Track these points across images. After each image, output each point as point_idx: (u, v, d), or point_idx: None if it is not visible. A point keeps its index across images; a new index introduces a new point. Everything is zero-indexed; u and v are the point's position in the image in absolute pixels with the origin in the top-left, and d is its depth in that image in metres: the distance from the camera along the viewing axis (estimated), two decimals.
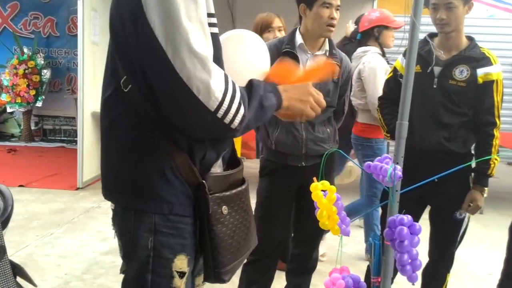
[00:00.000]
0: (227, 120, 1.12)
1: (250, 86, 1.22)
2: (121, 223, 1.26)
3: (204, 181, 1.21)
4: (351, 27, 4.20)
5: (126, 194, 1.24)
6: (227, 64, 1.26)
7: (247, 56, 1.40)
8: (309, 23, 2.35)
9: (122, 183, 1.25)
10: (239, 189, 1.30)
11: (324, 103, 1.39)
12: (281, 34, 3.12)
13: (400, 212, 1.60)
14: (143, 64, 1.13)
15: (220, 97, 1.09)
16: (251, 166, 6.38)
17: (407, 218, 1.52)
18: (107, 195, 1.30)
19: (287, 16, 7.81)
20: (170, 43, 1.06)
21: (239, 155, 1.83)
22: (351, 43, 3.93)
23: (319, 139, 2.43)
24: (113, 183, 1.28)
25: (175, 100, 1.09)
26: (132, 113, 1.20)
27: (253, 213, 2.64)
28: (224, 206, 1.24)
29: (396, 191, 1.73)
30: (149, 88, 1.14)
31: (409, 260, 1.51)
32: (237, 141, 1.71)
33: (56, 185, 5.42)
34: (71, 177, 5.54)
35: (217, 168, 1.29)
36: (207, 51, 1.09)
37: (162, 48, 1.06)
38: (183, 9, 1.06)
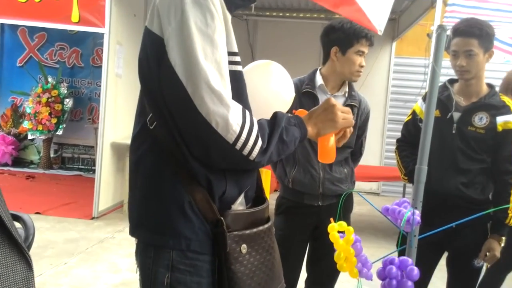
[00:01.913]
0: (246, 152, 1.16)
1: (274, 118, 1.26)
2: (142, 258, 1.28)
3: (222, 218, 1.21)
4: None
5: (147, 229, 1.26)
6: (253, 94, 1.31)
7: (273, 86, 1.45)
8: (338, 66, 2.38)
9: (144, 219, 1.27)
10: (260, 228, 1.29)
11: (350, 110, 1.41)
12: None
13: (418, 259, 1.59)
14: (166, 101, 1.18)
15: (237, 130, 1.13)
16: None
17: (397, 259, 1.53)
18: (131, 231, 1.31)
19: (303, 54, 7.89)
20: (190, 81, 1.12)
21: (267, 193, 1.83)
22: None
23: (336, 179, 2.43)
24: (136, 219, 1.30)
25: (196, 134, 1.14)
26: (157, 149, 1.24)
27: None
28: (243, 245, 1.23)
29: (414, 236, 1.72)
30: (173, 125, 1.19)
31: None
32: (266, 180, 1.71)
33: (71, 214, 5.45)
34: (86, 206, 5.58)
35: (239, 206, 1.30)
36: (222, 88, 1.13)
37: (183, 85, 1.12)
38: (200, 49, 1.12)
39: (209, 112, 1.11)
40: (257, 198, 1.39)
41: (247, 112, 1.19)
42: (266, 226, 1.32)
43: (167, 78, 1.16)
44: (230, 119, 1.12)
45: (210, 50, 1.14)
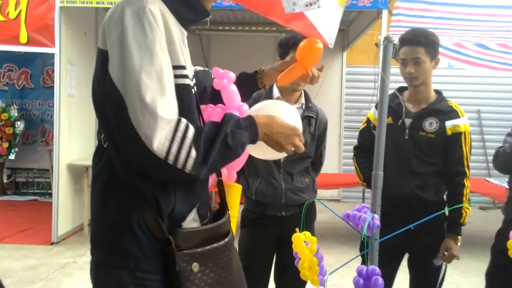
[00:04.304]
0: (179, 164, 1.14)
1: (221, 122, 1.23)
2: (95, 278, 1.28)
3: (170, 237, 1.19)
4: None
5: (99, 248, 1.27)
6: None
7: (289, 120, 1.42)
8: None
9: (97, 237, 1.28)
10: (215, 245, 1.27)
11: (302, 149, 1.39)
12: None
13: (380, 262, 1.65)
14: (109, 114, 1.19)
15: (167, 144, 1.12)
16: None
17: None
18: (90, 250, 1.32)
19: (257, 66, 7.99)
20: (125, 92, 1.13)
21: (236, 209, 1.84)
22: None
23: (298, 189, 2.48)
24: (92, 237, 1.31)
25: (128, 147, 1.15)
26: (109, 168, 1.25)
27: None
28: (194, 263, 1.21)
29: (376, 239, 1.78)
30: (116, 147, 1.20)
31: None
32: (237, 195, 1.71)
33: (29, 241, 5.27)
34: (45, 231, 5.40)
35: (191, 223, 1.29)
36: (157, 100, 1.13)
37: (121, 95, 1.13)
38: (137, 61, 1.13)
39: (139, 125, 1.11)
40: (218, 212, 1.40)
41: (182, 124, 1.16)
42: (221, 242, 1.29)
43: (108, 89, 1.17)
44: (159, 133, 1.11)
45: (148, 61, 1.14)
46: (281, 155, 1.47)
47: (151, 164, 1.14)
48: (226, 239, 1.32)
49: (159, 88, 1.14)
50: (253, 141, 1.29)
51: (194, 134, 1.17)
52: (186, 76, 1.26)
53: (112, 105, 1.16)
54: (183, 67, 1.25)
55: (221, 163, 1.24)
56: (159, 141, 1.11)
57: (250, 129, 1.27)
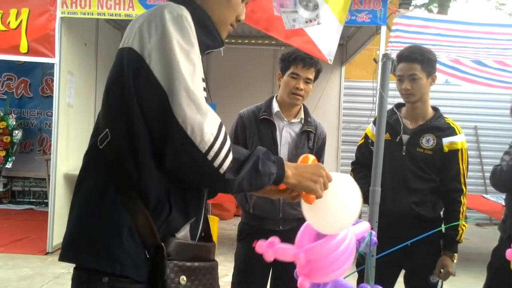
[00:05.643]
0: (216, 163, 1.14)
1: (252, 149, 1.26)
2: (76, 284, 1.24)
3: (162, 244, 1.18)
4: None
5: (81, 250, 1.21)
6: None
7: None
8: (280, 90, 2.49)
9: (79, 239, 1.23)
10: (202, 264, 1.27)
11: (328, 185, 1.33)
12: None
13: (377, 278, 1.65)
14: (145, 111, 1.19)
15: (211, 139, 1.14)
16: (225, 228, 6.36)
17: None
18: (63, 254, 1.24)
19: (256, 79, 7.93)
20: (171, 89, 1.15)
21: (215, 238, 1.83)
22: None
23: (296, 203, 2.48)
24: (69, 239, 1.25)
25: (171, 141, 1.15)
26: (102, 168, 1.23)
27: (231, 278, 2.63)
28: (182, 276, 1.20)
29: (372, 256, 1.79)
30: (131, 141, 1.20)
31: None
32: (214, 226, 1.72)
33: (24, 250, 5.24)
34: (40, 241, 5.38)
35: (182, 238, 1.27)
36: (202, 97, 1.18)
37: (165, 93, 1.15)
38: (181, 61, 1.18)
39: (185, 119, 1.13)
40: (204, 238, 1.39)
41: (223, 128, 1.20)
42: (208, 263, 1.30)
43: (147, 85, 1.18)
44: (205, 127, 1.14)
45: (186, 64, 1.18)
46: (338, 213, 1.36)
47: (188, 157, 1.15)
48: (212, 263, 1.33)
49: (199, 89, 1.19)
50: (280, 176, 1.26)
51: (232, 146, 1.20)
52: (205, 89, 1.29)
53: (153, 101, 1.18)
54: (204, 80, 1.28)
55: (247, 185, 1.22)
56: (205, 135, 1.13)
57: (278, 164, 1.26)
